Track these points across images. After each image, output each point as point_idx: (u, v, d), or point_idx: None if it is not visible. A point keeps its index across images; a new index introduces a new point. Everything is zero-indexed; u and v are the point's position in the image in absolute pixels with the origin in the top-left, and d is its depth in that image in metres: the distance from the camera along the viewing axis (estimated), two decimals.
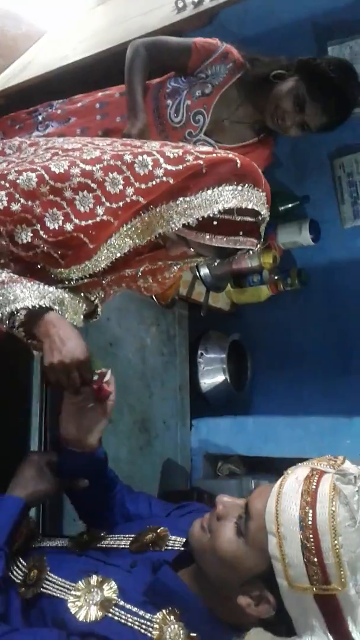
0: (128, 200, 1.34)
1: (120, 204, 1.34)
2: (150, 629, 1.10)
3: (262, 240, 1.44)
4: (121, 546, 1.30)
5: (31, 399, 1.99)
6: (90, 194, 1.32)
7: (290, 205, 2.92)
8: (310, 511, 1.02)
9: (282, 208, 2.89)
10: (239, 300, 3.13)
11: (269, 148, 2.28)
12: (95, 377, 1.34)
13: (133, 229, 1.38)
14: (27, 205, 1.30)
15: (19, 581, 1.24)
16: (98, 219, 1.33)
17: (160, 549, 1.26)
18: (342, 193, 2.88)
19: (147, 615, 1.12)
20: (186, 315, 2.83)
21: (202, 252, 1.45)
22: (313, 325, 3.00)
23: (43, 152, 1.41)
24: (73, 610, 1.13)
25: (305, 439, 2.48)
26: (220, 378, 2.92)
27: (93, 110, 2.19)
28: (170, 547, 1.26)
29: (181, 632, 1.09)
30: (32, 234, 1.31)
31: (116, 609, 1.13)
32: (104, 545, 1.32)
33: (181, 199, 1.34)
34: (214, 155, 1.36)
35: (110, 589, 1.16)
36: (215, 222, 1.34)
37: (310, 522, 1.01)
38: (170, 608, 1.12)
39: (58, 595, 1.18)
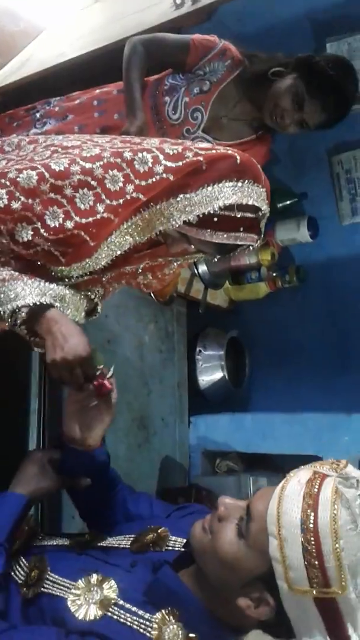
0: (128, 197, 1.33)
1: (121, 201, 1.33)
2: (149, 629, 1.10)
3: (262, 235, 1.44)
4: (122, 546, 1.30)
5: (30, 398, 1.99)
6: (91, 192, 1.32)
7: (288, 202, 2.92)
8: (312, 514, 1.02)
9: (280, 205, 2.89)
10: (237, 298, 3.13)
11: (266, 145, 2.27)
12: (98, 372, 1.33)
13: (133, 226, 1.38)
14: (27, 203, 1.30)
15: (20, 581, 1.24)
16: (98, 216, 1.33)
17: (160, 550, 1.26)
18: (340, 190, 2.88)
19: (147, 615, 1.12)
20: (184, 313, 2.84)
21: (202, 248, 1.45)
22: (311, 322, 3.00)
23: (42, 150, 1.41)
24: (73, 609, 1.14)
25: (304, 436, 2.48)
26: (218, 375, 2.92)
27: (91, 107, 2.18)
28: (170, 548, 1.26)
29: (180, 632, 1.09)
30: (32, 232, 1.31)
31: (116, 608, 1.13)
32: (104, 545, 1.32)
33: (181, 195, 1.34)
34: (214, 151, 1.36)
35: (110, 588, 1.16)
36: (215, 219, 1.34)
37: (311, 525, 1.01)
38: (169, 608, 1.12)
39: (58, 593, 1.18)
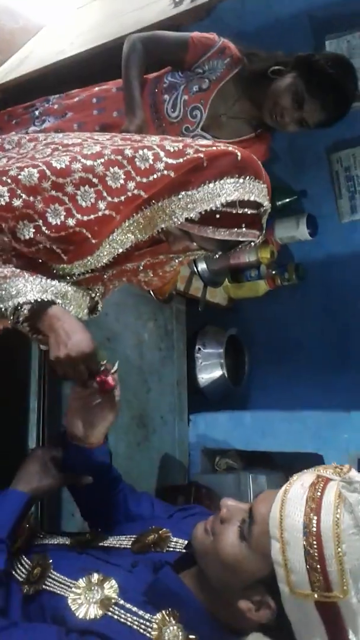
0: (129, 194, 1.33)
1: (122, 198, 1.33)
2: (149, 629, 1.10)
3: (264, 231, 1.44)
4: (123, 546, 1.30)
5: (29, 396, 1.99)
6: (92, 189, 1.32)
7: (287, 200, 2.91)
8: (315, 518, 1.02)
9: (280, 203, 2.88)
10: (237, 295, 3.13)
11: (266, 143, 2.27)
12: (102, 368, 1.33)
13: (135, 224, 1.38)
14: (29, 201, 1.29)
15: (22, 579, 1.24)
16: (100, 213, 1.32)
17: (161, 550, 1.26)
18: (340, 187, 2.87)
19: (147, 616, 1.12)
20: (184, 311, 2.83)
21: (204, 245, 1.45)
22: (311, 319, 3.00)
23: (43, 148, 1.40)
24: (73, 608, 1.14)
25: (303, 434, 2.48)
26: (217, 373, 2.92)
27: (90, 105, 2.18)
28: (172, 549, 1.26)
29: (180, 633, 1.09)
30: (34, 230, 1.30)
31: (116, 608, 1.13)
32: (105, 545, 1.32)
33: (183, 193, 1.34)
34: (214, 148, 1.36)
35: (110, 588, 1.16)
36: (217, 215, 1.34)
37: (314, 529, 1.01)
38: (170, 609, 1.12)
39: (59, 592, 1.18)
